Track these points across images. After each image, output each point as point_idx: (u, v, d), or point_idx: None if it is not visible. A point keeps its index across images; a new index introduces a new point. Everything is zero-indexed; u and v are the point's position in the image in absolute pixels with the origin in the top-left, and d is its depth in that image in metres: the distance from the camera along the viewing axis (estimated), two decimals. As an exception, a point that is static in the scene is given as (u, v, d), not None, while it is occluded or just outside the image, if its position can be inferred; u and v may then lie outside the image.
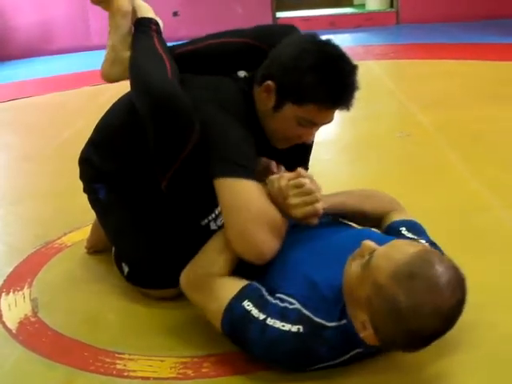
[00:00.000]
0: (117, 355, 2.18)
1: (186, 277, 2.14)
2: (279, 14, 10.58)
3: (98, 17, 8.13)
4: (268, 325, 1.89)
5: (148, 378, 2.05)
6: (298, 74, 2.15)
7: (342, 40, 9.07)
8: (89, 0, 2.65)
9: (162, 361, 2.11)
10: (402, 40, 9.03)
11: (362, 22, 10.40)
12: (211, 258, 2.10)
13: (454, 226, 2.93)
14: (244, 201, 2.07)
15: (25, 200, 3.80)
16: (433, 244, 2.13)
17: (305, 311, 1.89)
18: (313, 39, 2.24)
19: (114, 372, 2.09)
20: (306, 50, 2.17)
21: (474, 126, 4.54)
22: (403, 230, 2.20)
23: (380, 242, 1.87)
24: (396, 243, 1.82)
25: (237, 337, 1.97)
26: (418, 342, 1.75)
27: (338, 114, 2.26)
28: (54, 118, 5.94)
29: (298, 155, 2.46)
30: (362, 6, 11.39)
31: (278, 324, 1.88)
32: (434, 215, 3.02)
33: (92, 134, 2.64)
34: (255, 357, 1.97)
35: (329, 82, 2.14)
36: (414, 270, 1.67)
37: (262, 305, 1.93)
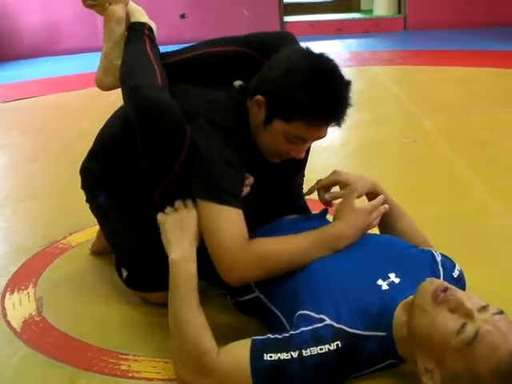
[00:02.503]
0: (121, 356, 2.18)
1: (185, 371, 1.96)
2: (287, 19, 10.57)
3: (106, 18, 8.15)
4: (305, 357, 1.82)
5: (152, 379, 2.05)
6: (287, 90, 2.11)
7: (349, 45, 9.08)
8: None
9: (166, 362, 2.11)
10: (409, 46, 9.02)
11: (370, 28, 10.40)
12: (193, 336, 1.96)
13: (459, 231, 2.93)
14: (217, 227, 2.09)
15: (30, 200, 3.81)
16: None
17: (337, 325, 1.86)
18: (305, 54, 2.20)
19: (118, 373, 2.10)
20: (296, 65, 2.12)
21: (480, 132, 4.54)
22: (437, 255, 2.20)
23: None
24: (498, 327, 1.68)
25: None
26: None
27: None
28: (60, 119, 5.95)
29: (293, 165, 2.42)
30: (370, 11, 11.38)
31: (315, 350, 1.82)
32: (439, 221, 3.02)
33: (92, 145, 2.67)
34: None
35: (317, 99, 2.09)
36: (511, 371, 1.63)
37: (285, 345, 1.85)
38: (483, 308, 1.72)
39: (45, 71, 8.43)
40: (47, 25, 9.60)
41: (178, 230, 2.09)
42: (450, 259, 2.20)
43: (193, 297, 2.02)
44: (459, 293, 1.79)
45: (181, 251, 2.08)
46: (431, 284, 1.81)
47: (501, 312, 1.72)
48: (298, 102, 2.09)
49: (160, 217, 2.13)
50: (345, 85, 2.15)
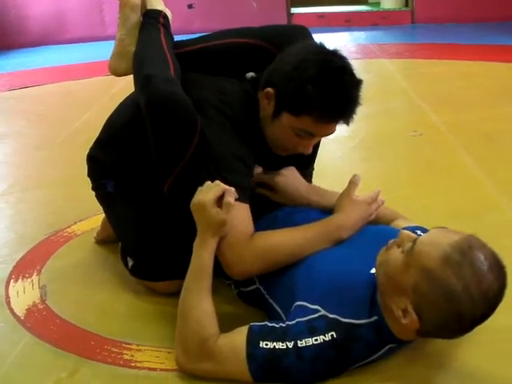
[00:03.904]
0: (124, 345, 2.18)
1: (183, 355, 1.99)
2: (294, 10, 10.51)
3: (113, 6, 8.13)
4: (301, 347, 1.84)
5: (155, 369, 2.06)
6: (296, 84, 2.11)
7: (357, 38, 9.05)
8: None
9: (169, 352, 2.11)
10: (416, 39, 8.98)
11: (378, 21, 10.35)
12: (196, 322, 1.98)
13: (465, 226, 2.88)
14: None
15: (35, 188, 3.81)
16: None
17: (331, 315, 1.87)
18: (318, 49, 2.20)
19: (121, 362, 2.10)
20: (308, 60, 2.12)
21: (488, 126, 4.52)
22: (418, 232, 2.20)
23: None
24: (437, 231, 1.81)
25: (275, 377, 1.87)
26: (466, 326, 1.76)
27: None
28: (66, 107, 5.94)
29: (302, 158, 2.39)
30: (377, 4, 11.33)
31: (310, 341, 1.84)
32: (445, 216, 3.02)
33: (99, 133, 2.67)
34: None
35: (326, 95, 2.09)
36: (462, 254, 1.69)
37: (281, 335, 1.87)
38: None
39: (51, 60, 8.41)
40: (54, 13, 9.58)
41: (201, 216, 2.06)
42: None
43: (202, 284, 2.03)
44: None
45: (200, 237, 2.07)
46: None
47: (444, 227, 1.82)
48: (307, 97, 2.09)
49: (192, 200, 2.09)
50: (355, 83, 2.15)
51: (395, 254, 1.82)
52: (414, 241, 1.79)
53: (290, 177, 2.39)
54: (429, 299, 1.73)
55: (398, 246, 1.84)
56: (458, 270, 1.68)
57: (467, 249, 1.71)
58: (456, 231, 1.79)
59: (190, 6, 9.70)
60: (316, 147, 2.46)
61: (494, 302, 1.72)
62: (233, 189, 2.05)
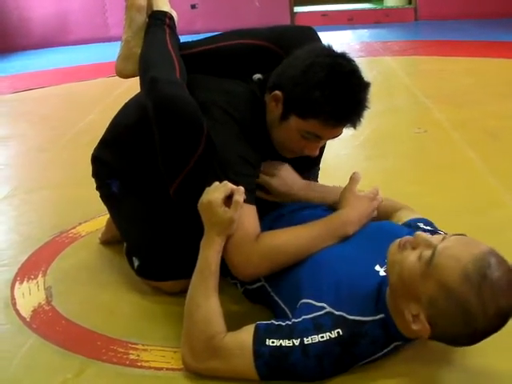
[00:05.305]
0: (130, 345, 2.18)
1: (190, 354, 1.98)
2: (297, 9, 10.53)
3: (116, 8, 8.14)
4: (307, 344, 1.84)
5: (161, 369, 2.05)
6: (304, 88, 2.10)
7: (360, 36, 9.05)
8: None
9: (175, 351, 2.11)
10: (419, 37, 8.99)
11: (381, 18, 10.36)
12: (202, 320, 1.99)
13: (470, 223, 2.91)
14: None
15: (39, 190, 3.81)
16: None
17: (337, 313, 1.87)
18: (326, 52, 2.19)
19: (127, 362, 2.10)
20: (316, 63, 2.11)
21: (491, 123, 4.52)
22: (421, 225, 2.20)
23: (403, 234, 1.92)
24: (456, 242, 1.75)
25: (281, 374, 1.87)
26: (478, 339, 1.75)
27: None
28: (69, 109, 5.95)
29: (308, 158, 2.37)
30: (381, 1, 11.34)
31: (316, 338, 1.84)
32: (450, 212, 3.01)
33: (104, 133, 2.67)
34: (306, 381, 1.89)
35: (334, 99, 2.08)
36: (482, 274, 1.66)
37: (287, 332, 1.88)
38: (445, 238, 1.77)
39: (54, 61, 8.43)
40: (57, 15, 9.60)
41: (209, 215, 2.07)
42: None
43: (208, 283, 2.03)
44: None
45: (206, 237, 2.08)
46: (395, 241, 1.85)
47: (462, 234, 1.78)
48: (315, 101, 2.08)
49: (200, 200, 2.10)
50: (363, 87, 2.14)
51: (411, 258, 1.78)
52: (434, 250, 1.73)
53: (282, 176, 2.36)
54: (444, 314, 1.71)
55: (413, 248, 1.80)
56: (478, 290, 1.65)
57: (487, 267, 1.67)
58: (476, 242, 1.74)
59: (193, 6, 9.72)
60: (322, 148, 2.46)
61: (508, 317, 1.71)
62: (242, 188, 2.06)
